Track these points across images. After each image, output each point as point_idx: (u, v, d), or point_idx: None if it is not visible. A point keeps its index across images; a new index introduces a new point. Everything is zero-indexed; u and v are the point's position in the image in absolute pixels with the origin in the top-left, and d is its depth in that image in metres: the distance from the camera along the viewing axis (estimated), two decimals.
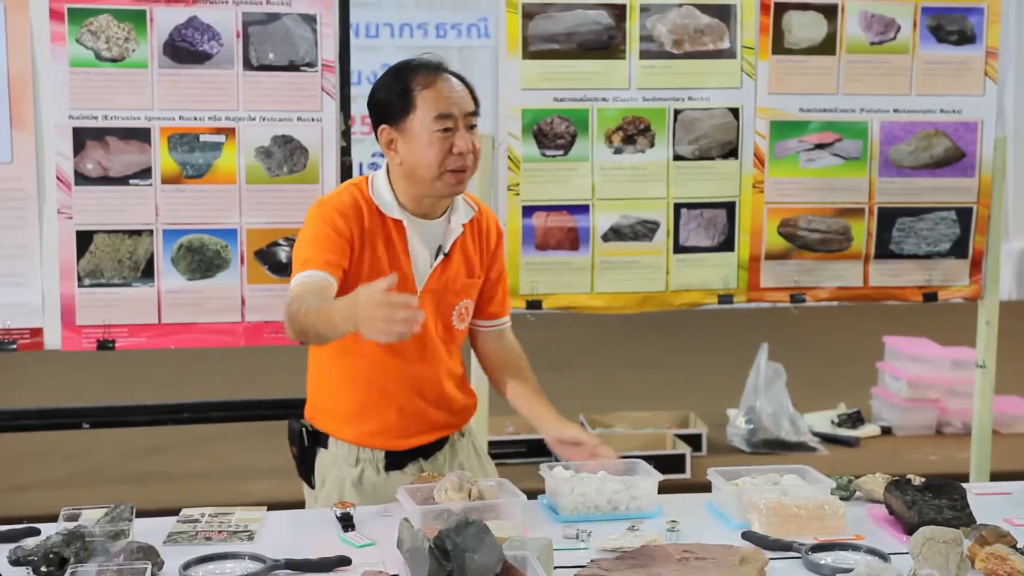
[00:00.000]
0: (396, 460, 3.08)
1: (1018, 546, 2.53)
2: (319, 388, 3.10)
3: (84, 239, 4.02)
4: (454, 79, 2.99)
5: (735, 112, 4.40)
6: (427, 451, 3.13)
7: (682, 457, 5.58)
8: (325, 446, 3.09)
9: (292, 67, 4.07)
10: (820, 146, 4.47)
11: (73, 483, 5.50)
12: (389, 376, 3.02)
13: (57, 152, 3.97)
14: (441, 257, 3.03)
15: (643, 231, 4.39)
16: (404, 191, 2.99)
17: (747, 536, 2.67)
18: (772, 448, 5.96)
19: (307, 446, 3.10)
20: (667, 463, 5.20)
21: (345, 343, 2.87)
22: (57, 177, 3.98)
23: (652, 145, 4.36)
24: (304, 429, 3.10)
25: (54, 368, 6.83)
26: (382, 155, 3.02)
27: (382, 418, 3.05)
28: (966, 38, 4.49)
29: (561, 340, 8.15)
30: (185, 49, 4.02)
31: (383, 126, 2.99)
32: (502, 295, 3.23)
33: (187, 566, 2.46)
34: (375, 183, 3.02)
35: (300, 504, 3.16)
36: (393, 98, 2.96)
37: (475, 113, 3.02)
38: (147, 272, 4.06)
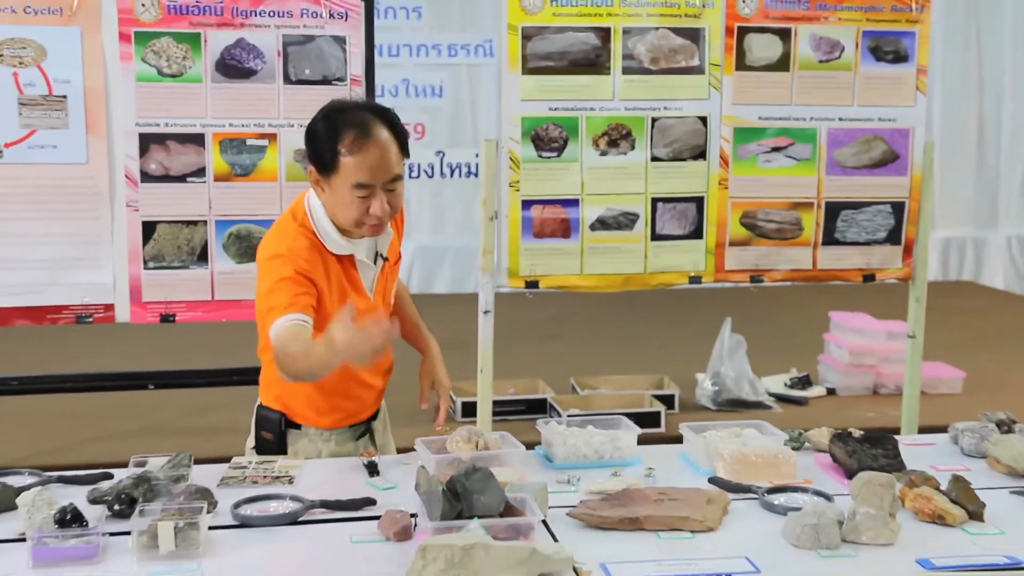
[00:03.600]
0: (362, 430, 3.03)
1: (941, 488, 2.53)
2: (291, 386, 2.87)
3: (148, 228, 4.02)
4: (382, 140, 2.69)
5: (704, 120, 4.39)
6: (375, 414, 3.08)
7: (658, 414, 5.59)
8: (298, 428, 2.96)
9: (325, 81, 4.06)
10: (776, 149, 4.46)
11: (140, 435, 5.51)
12: (355, 367, 2.84)
13: (125, 154, 3.96)
14: (382, 263, 2.92)
15: (625, 221, 4.38)
16: (339, 222, 2.80)
17: (713, 481, 2.68)
18: (734, 406, 5.97)
19: (283, 431, 2.96)
20: (645, 419, 5.21)
21: None
22: (126, 176, 3.98)
23: (633, 148, 4.35)
24: (282, 418, 2.94)
25: (124, 338, 6.83)
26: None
27: (351, 406, 2.97)
28: (900, 57, 4.48)
29: (555, 315, 8.16)
30: (234, 66, 4.01)
31: (311, 167, 2.77)
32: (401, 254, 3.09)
33: (237, 505, 2.47)
34: (317, 220, 2.79)
35: None
36: (323, 151, 2.71)
37: (398, 177, 2.73)
38: (202, 256, 4.06)
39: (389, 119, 2.76)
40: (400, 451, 3.03)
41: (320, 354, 2.50)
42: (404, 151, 2.76)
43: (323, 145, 2.72)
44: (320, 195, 2.79)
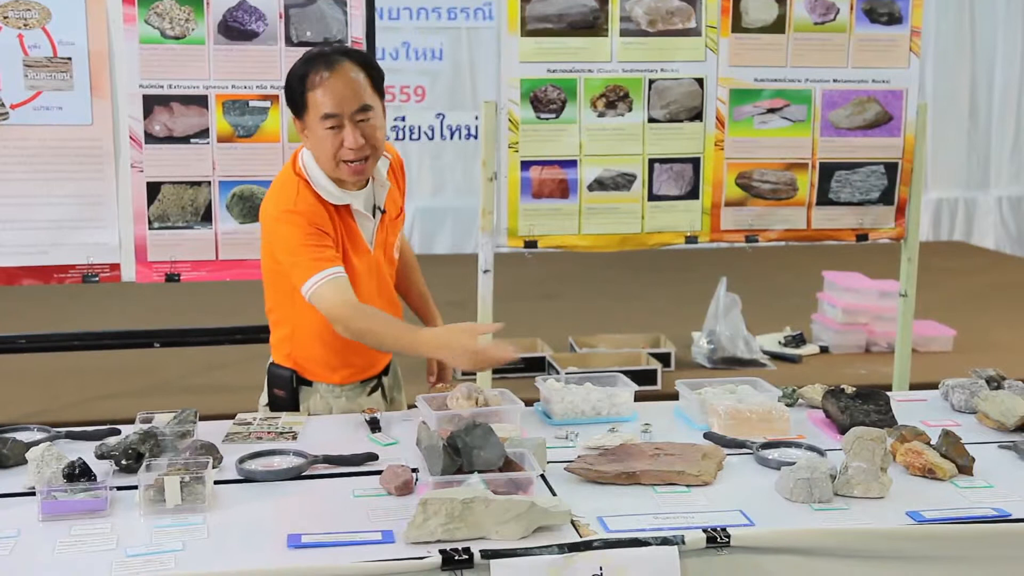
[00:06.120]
0: (374, 385, 3.03)
1: (931, 443, 2.54)
2: (302, 345, 2.93)
3: (153, 189, 4.00)
4: (347, 72, 2.72)
5: (700, 82, 4.37)
6: (386, 369, 3.08)
7: (654, 372, 5.60)
8: (309, 385, 2.96)
9: (326, 44, 4.03)
10: (771, 111, 4.44)
11: (147, 392, 5.53)
12: None
13: (130, 116, 3.95)
14: (380, 215, 2.91)
15: (622, 182, 4.37)
16: (321, 165, 2.80)
17: (708, 436, 2.69)
18: (729, 364, 5.98)
19: (295, 388, 2.96)
20: (642, 376, 5.23)
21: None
22: (130, 137, 3.96)
23: (630, 110, 4.33)
24: (294, 375, 2.95)
25: (130, 298, 6.85)
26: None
27: (360, 361, 2.97)
28: (894, 19, 4.45)
29: (554, 274, 8.16)
30: (236, 28, 3.98)
31: (293, 117, 2.81)
32: (404, 211, 3.09)
33: (242, 460, 2.48)
34: (312, 175, 2.78)
35: None
36: (294, 95, 2.77)
37: (366, 107, 2.73)
38: (206, 217, 4.05)
39: (361, 58, 2.81)
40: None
41: (419, 340, 2.68)
42: (377, 88, 2.78)
43: (295, 89, 2.77)
44: (305, 143, 2.82)
